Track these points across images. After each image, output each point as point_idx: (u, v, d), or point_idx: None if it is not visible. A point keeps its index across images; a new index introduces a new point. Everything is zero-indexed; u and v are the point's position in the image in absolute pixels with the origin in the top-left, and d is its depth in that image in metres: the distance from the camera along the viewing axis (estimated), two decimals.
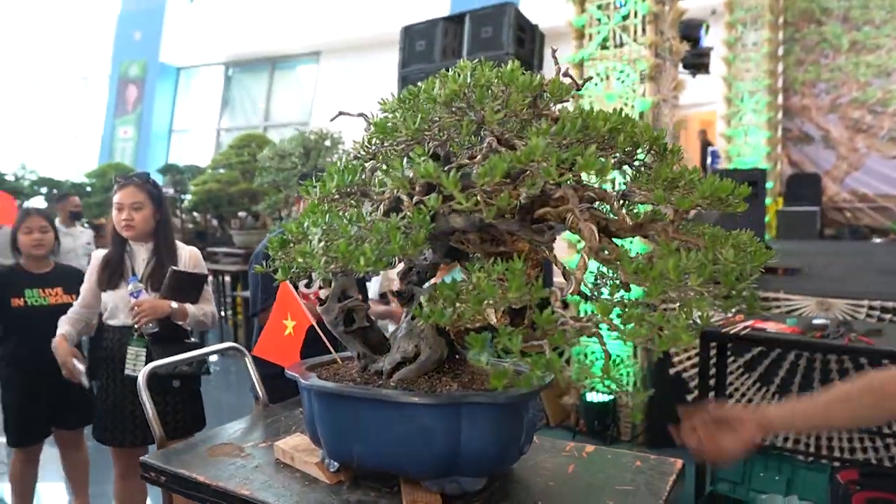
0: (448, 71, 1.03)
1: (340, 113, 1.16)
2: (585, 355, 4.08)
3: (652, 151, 1.07)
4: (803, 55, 7.90)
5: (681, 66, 4.68)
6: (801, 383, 3.50)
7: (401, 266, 1.42)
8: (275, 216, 5.34)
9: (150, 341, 2.51)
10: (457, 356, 1.43)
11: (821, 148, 7.83)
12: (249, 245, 6.06)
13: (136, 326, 2.51)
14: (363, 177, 0.99)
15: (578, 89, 1.03)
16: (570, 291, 0.92)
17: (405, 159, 0.92)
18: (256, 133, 6.42)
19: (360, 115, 1.15)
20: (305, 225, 0.95)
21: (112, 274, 2.55)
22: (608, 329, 0.79)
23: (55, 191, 8.93)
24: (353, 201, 1.01)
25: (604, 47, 4.06)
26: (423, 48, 4.76)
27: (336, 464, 1.41)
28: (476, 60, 0.99)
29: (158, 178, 13.18)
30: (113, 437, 2.61)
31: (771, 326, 3.12)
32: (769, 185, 7.10)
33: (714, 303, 0.84)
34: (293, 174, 4.81)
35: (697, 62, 4.94)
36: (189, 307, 2.56)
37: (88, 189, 9.21)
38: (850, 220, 7.74)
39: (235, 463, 1.54)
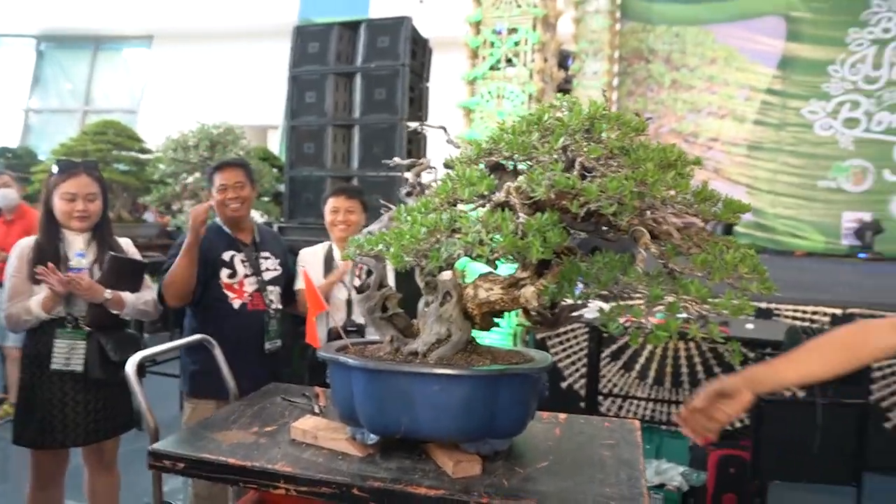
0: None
1: (421, 125, 1.35)
2: None
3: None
4: (633, 87, 8.92)
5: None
6: (657, 369, 4.13)
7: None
8: (164, 209, 5.03)
9: (92, 332, 2.41)
10: (474, 340, 1.65)
11: None
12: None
13: (68, 318, 2.39)
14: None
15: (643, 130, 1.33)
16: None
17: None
18: (112, 120, 5.98)
19: (441, 127, 1.34)
20: (445, 218, 1.13)
21: (45, 264, 2.37)
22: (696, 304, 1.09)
23: None
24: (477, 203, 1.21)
25: (492, 68, 4.47)
26: (315, 50, 4.82)
27: (374, 437, 1.55)
28: (562, 96, 1.25)
29: None
30: (42, 439, 2.42)
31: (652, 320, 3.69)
32: None
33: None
34: (199, 166, 4.61)
35: (565, 87, 5.54)
36: (127, 297, 2.49)
37: None
38: None
39: (257, 444, 1.60)
